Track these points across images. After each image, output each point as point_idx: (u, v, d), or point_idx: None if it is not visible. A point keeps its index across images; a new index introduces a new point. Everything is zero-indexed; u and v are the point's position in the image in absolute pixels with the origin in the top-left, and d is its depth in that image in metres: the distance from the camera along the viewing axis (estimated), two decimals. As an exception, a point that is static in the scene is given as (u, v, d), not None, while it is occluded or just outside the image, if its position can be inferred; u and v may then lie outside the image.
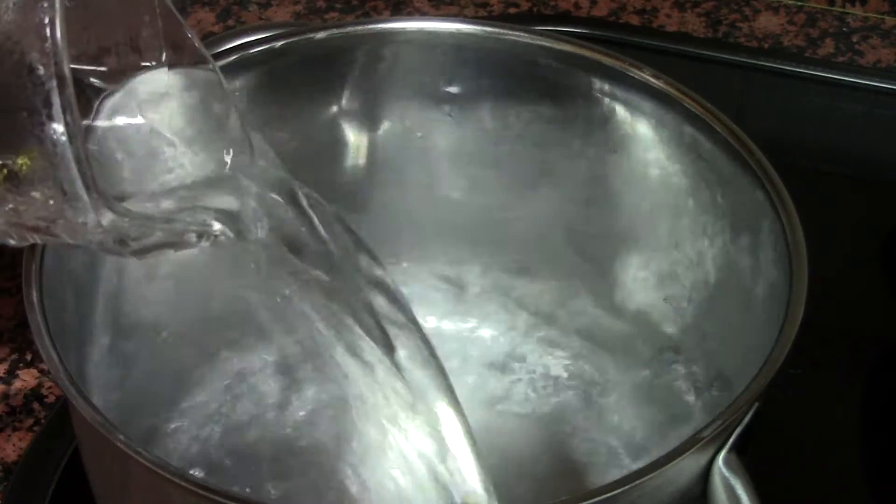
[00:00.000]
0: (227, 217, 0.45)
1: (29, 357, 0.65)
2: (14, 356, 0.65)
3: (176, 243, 0.44)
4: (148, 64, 0.45)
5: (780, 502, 0.46)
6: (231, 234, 0.45)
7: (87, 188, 0.38)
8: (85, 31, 0.44)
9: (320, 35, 0.58)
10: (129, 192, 0.44)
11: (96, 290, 0.53)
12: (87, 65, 0.44)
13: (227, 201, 0.46)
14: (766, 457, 0.48)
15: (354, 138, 0.61)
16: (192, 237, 0.44)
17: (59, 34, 0.37)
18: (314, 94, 0.59)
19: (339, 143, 0.61)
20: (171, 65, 0.45)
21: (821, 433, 0.63)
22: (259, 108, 0.56)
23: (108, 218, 0.39)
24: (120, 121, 0.44)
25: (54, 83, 0.37)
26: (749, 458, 0.45)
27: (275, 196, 0.47)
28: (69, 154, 0.38)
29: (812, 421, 0.63)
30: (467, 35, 0.59)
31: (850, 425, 0.64)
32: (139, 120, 0.45)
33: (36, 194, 0.39)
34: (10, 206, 0.39)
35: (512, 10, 0.88)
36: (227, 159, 0.46)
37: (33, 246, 0.47)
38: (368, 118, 0.60)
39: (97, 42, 0.45)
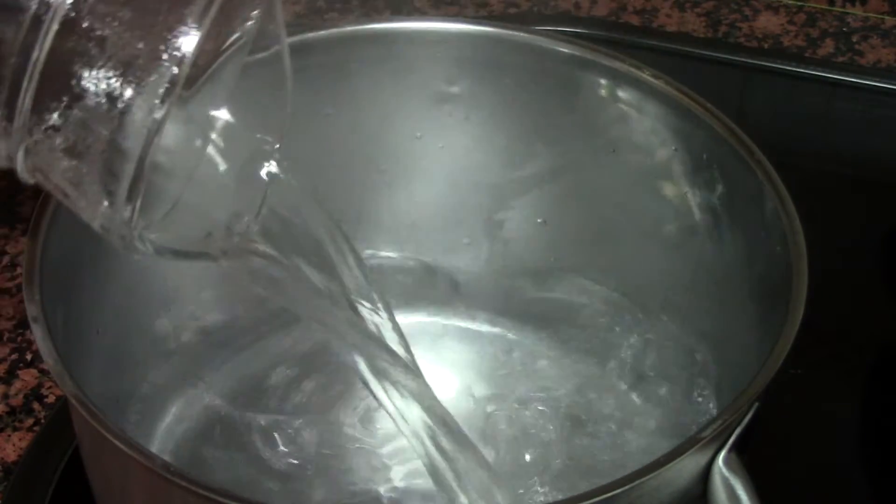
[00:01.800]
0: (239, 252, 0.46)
1: (29, 357, 0.65)
2: (14, 356, 0.65)
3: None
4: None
5: (780, 502, 0.46)
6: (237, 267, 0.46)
7: (129, 201, 0.38)
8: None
9: (320, 35, 0.58)
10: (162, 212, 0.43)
11: (97, 290, 0.53)
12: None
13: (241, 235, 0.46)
14: (766, 457, 0.48)
15: (354, 139, 0.61)
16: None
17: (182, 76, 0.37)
18: (313, 94, 0.59)
19: (338, 144, 0.61)
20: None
21: (821, 433, 0.63)
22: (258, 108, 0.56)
23: (131, 238, 0.40)
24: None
25: (159, 119, 0.37)
26: (749, 458, 0.45)
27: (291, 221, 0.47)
28: (132, 167, 0.38)
29: (812, 421, 0.63)
30: (467, 35, 0.59)
31: (850, 425, 0.64)
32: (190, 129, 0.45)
33: (82, 173, 0.39)
34: (58, 168, 0.39)
35: (512, 11, 0.87)
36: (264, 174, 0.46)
37: (33, 246, 0.48)
38: (368, 118, 0.60)
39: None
